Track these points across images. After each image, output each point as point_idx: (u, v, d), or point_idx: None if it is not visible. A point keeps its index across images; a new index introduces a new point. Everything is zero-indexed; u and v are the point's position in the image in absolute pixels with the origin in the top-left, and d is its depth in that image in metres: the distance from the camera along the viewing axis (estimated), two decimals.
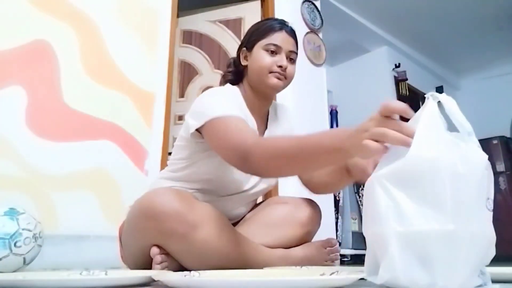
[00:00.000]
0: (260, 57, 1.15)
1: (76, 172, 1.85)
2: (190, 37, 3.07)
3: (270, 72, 1.13)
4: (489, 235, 0.57)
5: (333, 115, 3.62)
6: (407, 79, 4.58)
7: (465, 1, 4.00)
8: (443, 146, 0.53)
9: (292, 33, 1.20)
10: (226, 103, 1.04)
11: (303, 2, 3.22)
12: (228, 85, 1.21)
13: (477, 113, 5.53)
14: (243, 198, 1.20)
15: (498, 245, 0.58)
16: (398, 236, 0.50)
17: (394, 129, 0.57)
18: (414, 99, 5.10)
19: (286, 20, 1.23)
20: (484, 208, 0.54)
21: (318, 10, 3.37)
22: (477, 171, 0.52)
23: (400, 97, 4.59)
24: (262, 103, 1.22)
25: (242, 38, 1.30)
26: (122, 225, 1.14)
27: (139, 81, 2.15)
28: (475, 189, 0.51)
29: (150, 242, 0.97)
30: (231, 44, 2.93)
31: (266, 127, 1.25)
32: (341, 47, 4.53)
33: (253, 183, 1.18)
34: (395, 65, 4.57)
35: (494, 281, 0.82)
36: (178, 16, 2.73)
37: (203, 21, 3.05)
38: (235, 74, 1.24)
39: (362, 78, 4.71)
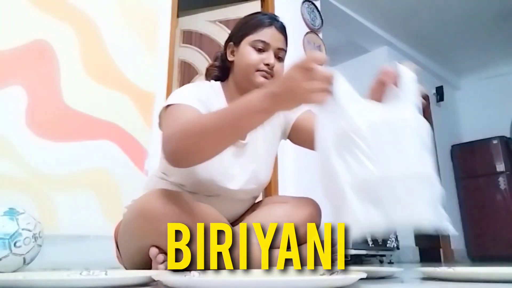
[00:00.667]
0: (246, 54, 1.09)
1: (76, 172, 1.85)
2: (190, 37, 3.07)
3: (257, 71, 1.08)
4: (430, 175, 0.63)
5: None
6: None
7: (465, 1, 4.00)
8: (373, 109, 0.65)
9: (282, 29, 1.13)
10: (187, 94, 1.03)
11: (303, 2, 3.22)
12: (209, 81, 1.18)
13: (477, 113, 5.54)
14: (233, 198, 1.16)
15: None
16: (351, 186, 0.59)
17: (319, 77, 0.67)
18: None
19: (277, 15, 1.17)
20: (423, 153, 0.63)
21: (318, 10, 3.37)
22: (409, 125, 0.65)
23: None
24: None
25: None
26: (117, 227, 1.14)
27: (139, 81, 2.15)
28: (409, 139, 0.62)
29: (148, 243, 0.97)
30: None
31: None
32: (341, 47, 4.53)
33: (239, 184, 1.12)
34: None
35: (494, 281, 0.82)
36: (178, 16, 2.73)
37: (203, 21, 3.05)
38: (221, 69, 1.20)
39: (362, 78, 4.69)
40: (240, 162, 1.13)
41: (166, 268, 0.96)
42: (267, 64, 1.07)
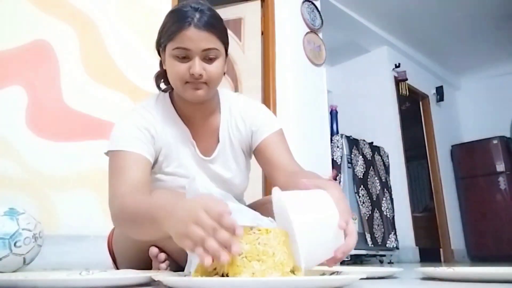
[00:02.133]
0: (171, 66, 0.95)
1: (76, 172, 1.85)
2: None
3: (185, 83, 0.95)
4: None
5: (333, 115, 3.62)
6: (407, 79, 4.58)
7: (465, 1, 4.00)
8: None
9: (205, 24, 0.93)
10: (126, 133, 0.96)
11: (303, 2, 3.22)
12: (155, 95, 1.08)
13: (477, 113, 5.54)
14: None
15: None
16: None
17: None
18: (414, 99, 5.11)
19: (201, 4, 0.97)
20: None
21: (318, 10, 3.36)
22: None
23: (400, 97, 4.59)
24: (197, 109, 1.05)
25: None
26: (111, 234, 1.14)
27: (139, 81, 2.15)
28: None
29: (147, 242, 0.97)
30: (231, 44, 2.92)
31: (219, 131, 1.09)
32: (341, 47, 4.53)
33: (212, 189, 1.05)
34: (395, 65, 4.57)
35: (494, 281, 0.82)
36: None
37: None
38: (164, 77, 1.05)
39: (362, 78, 4.71)
40: (208, 173, 1.07)
41: (167, 267, 0.96)
42: (192, 74, 0.93)
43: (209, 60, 0.95)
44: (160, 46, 1.01)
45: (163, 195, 0.89)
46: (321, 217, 0.65)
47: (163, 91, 1.09)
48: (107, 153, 0.97)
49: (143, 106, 1.04)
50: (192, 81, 0.94)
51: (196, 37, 0.92)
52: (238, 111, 1.10)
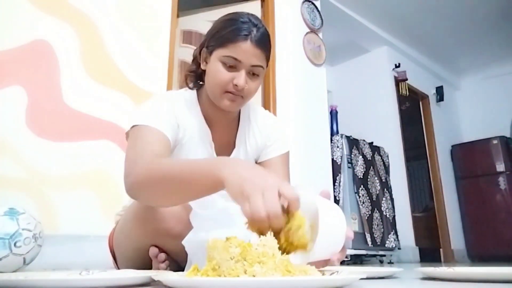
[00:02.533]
0: (215, 70, 0.96)
1: (76, 172, 1.85)
2: (190, 37, 3.07)
3: (225, 92, 0.97)
4: None
5: (333, 115, 3.62)
6: (407, 79, 4.58)
7: (465, 1, 4.00)
8: None
9: (260, 42, 0.95)
10: (157, 112, 0.96)
11: (303, 2, 3.22)
12: (184, 90, 1.10)
13: (477, 113, 5.55)
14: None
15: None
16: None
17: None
18: (414, 99, 5.11)
19: (259, 21, 0.99)
20: None
21: (318, 10, 3.37)
22: None
23: (400, 97, 4.59)
24: (222, 114, 1.06)
25: None
26: (111, 234, 1.14)
27: (139, 81, 2.15)
28: None
29: (148, 243, 0.97)
30: None
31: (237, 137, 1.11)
32: (341, 47, 4.53)
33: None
34: (395, 65, 4.57)
35: (494, 281, 0.82)
36: (178, 16, 2.73)
37: (203, 21, 3.04)
38: (197, 74, 1.08)
39: (362, 78, 4.71)
40: None
41: (167, 267, 0.96)
42: (236, 85, 0.95)
43: (253, 75, 0.98)
44: (207, 47, 1.01)
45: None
46: (340, 219, 0.67)
47: (190, 88, 1.10)
48: (130, 129, 0.95)
49: (172, 95, 1.06)
50: (232, 91, 0.96)
51: (250, 52, 0.94)
52: (256, 121, 1.13)
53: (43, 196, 1.74)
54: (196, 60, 1.08)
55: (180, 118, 1.01)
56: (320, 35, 3.34)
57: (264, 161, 1.11)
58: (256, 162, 1.12)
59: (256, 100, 2.73)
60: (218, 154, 1.06)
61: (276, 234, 0.61)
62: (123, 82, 2.10)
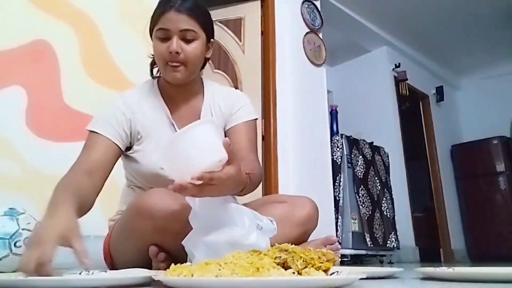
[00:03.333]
0: (154, 47, 1.04)
1: None
2: None
3: (167, 63, 1.03)
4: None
5: (333, 115, 3.62)
6: (407, 79, 4.58)
7: (465, 1, 4.00)
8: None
9: (184, 7, 1.00)
10: (104, 116, 1.08)
11: (303, 2, 3.22)
12: (144, 82, 1.20)
13: (477, 113, 5.54)
14: None
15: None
16: None
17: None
18: (414, 99, 5.11)
19: None
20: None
21: (318, 10, 3.36)
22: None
23: (400, 97, 4.59)
24: (182, 91, 1.13)
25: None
26: (106, 240, 1.14)
27: (139, 81, 2.14)
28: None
29: (146, 242, 0.97)
30: (231, 44, 2.93)
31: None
32: (341, 47, 4.53)
33: None
34: (395, 65, 4.57)
35: (494, 281, 0.82)
36: None
37: None
38: (153, 63, 1.17)
39: (362, 78, 4.71)
40: None
41: (167, 267, 0.96)
42: (171, 52, 1.00)
43: (187, 40, 1.02)
44: (150, 33, 1.08)
45: (65, 195, 0.97)
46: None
47: (154, 77, 1.18)
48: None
49: (126, 93, 1.15)
50: (171, 60, 1.01)
51: (175, 19, 1.00)
52: (221, 94, 1.19)
53: (43, 196, 1.74)
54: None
55: (135, 109, 1.09)
56: (320, 35, 3.34)
57: (228, 130, 1.15)
58: (224, 131, 1.17)
59: (256, 99, 2.73)
60: None
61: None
62: (123, 82, 2.09)
